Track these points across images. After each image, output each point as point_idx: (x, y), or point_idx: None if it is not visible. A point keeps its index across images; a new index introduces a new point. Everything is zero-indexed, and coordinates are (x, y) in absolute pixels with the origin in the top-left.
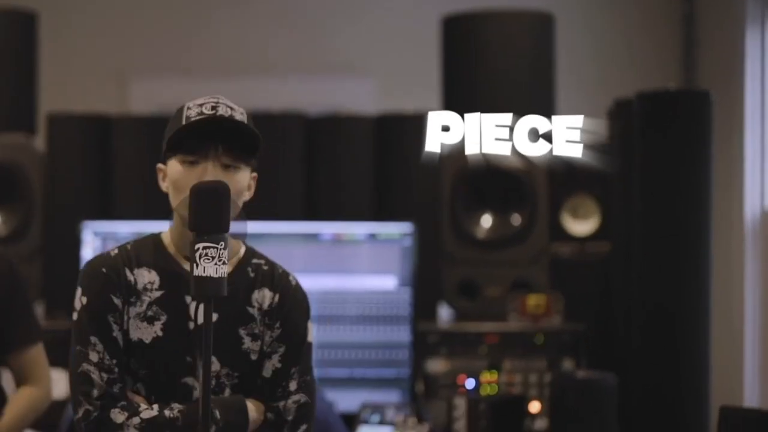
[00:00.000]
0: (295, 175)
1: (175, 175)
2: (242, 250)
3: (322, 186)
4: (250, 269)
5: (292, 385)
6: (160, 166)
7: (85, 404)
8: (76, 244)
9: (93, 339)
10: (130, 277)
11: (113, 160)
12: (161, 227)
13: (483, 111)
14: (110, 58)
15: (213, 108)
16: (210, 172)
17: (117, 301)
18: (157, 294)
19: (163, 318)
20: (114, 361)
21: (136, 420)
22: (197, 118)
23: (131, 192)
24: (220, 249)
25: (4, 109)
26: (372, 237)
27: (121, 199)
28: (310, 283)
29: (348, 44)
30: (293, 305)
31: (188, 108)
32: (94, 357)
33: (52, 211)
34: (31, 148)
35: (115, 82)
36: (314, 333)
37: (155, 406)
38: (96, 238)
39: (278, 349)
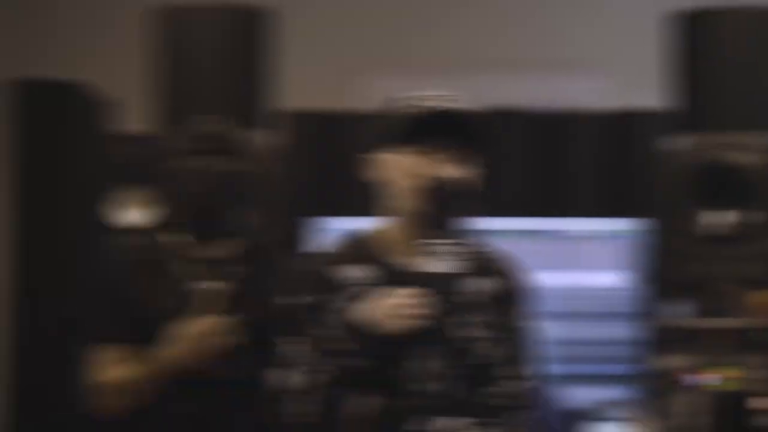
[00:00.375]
0: (520, 171)
1: (404, 168)
2: (468, 241)
3: (550, 183)
4: (474, 260)
5: (518, 371)
6: (379, 157)
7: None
8: (303, 238)
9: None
10: (341, 275)
11: (345, 155)
12: (375, 224)
13: (704, 113)
14: (341, 54)
15: (442, 102)
16: (440, 165)
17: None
18: (374, 288)
19: None
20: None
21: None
22: (427, 111)
23: (363, 189)
24: (449, 244)
25: (238, 107)
26: (601, 233)
27: (354, 193)
28: (536, 279)
29: (577, 40)
30: (518, 293)
31: (417, 100)
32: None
33: (283, 207)
34: (266, 143)
35: (346, 79)
36: (543, 329)
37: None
38: (329, 234)
39: (503, 336)
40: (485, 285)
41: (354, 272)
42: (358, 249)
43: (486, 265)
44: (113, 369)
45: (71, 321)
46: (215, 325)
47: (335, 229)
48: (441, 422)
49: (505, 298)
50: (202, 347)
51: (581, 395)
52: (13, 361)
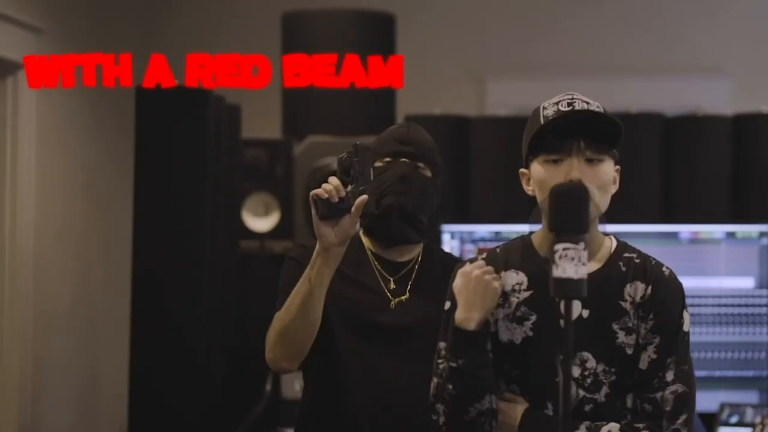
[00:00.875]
0: (653, 175)
1: (540, 176)
2: (614, 245)
3: (679, 186)
4: (621, 263)
5: (669, 375)
6: (523, 171)
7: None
8: (435, 244)
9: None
10: (503, 280)
11: (471, 161)
12: (518, 229)
13: None
14: (466, 60)
15: (569, 104)
16: (575, 167)
17: None
18: (526, 294)
19: (533, 318)
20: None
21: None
22: (555, 116)
23: (489, 193)
24: (580, 250)
25: (365, 113)
26: (730, 236)
27: (479, 200)
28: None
29: (705, 43)
30: (667, 295)
31: (544, 108)
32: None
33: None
34: None
35: (472, 84)
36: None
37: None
38: (454, 239)
39: (653, 340)
40: (638, 289)
41: (509, 278)
42: (513, 254)
43: (638, 268)
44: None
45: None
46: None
47: (471, 233)
48: (593, 428)
49: (659, 302)
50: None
51: (710, 399)
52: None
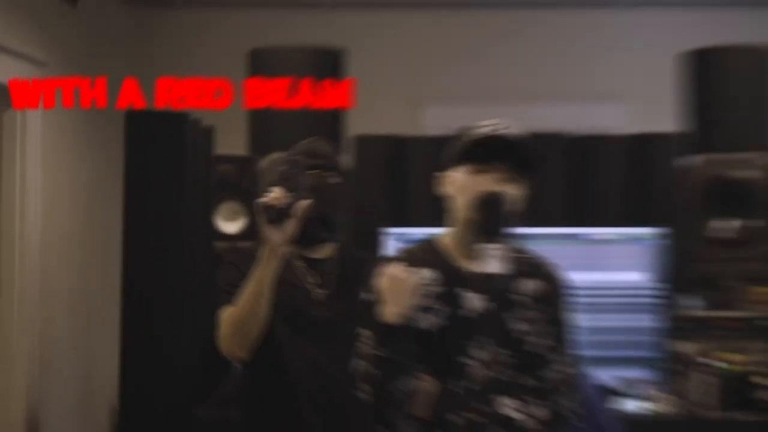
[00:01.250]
0: (558, 185)
1: (462, 183)
2: (511, 247)
3: (580, 195)
4: (518, 263)
5: (560, 359)
6: (440, 174)
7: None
8: (377, 245)
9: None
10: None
11: (409, 173)
12: (440, 232)
13: (713, 136)
14: (406, 88)
15: (499, 128)
16: (495, 181)
17: None
18: (438, 289)
19: (443, 309)
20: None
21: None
22: (487, 134)
23: (424, 202)
24: (500, 249)
25: (319, 133)
26: (626, 238)
27: (415, 208)
28: (572, 277)
29: (604, 73)
30: (557, 291)
31: (475, 127)
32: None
33: (356, 218)
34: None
35: (411, 108)
36: (578, 319)
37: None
38: (394, 241)
39: (546, 329)
40: (532, 285)
41: (425, 273)
42: (427, 253)
43: (533, 267)
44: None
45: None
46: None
47: (406, 235)
48: (496, 403)
49: (549, 296)
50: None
51: (610, 375)
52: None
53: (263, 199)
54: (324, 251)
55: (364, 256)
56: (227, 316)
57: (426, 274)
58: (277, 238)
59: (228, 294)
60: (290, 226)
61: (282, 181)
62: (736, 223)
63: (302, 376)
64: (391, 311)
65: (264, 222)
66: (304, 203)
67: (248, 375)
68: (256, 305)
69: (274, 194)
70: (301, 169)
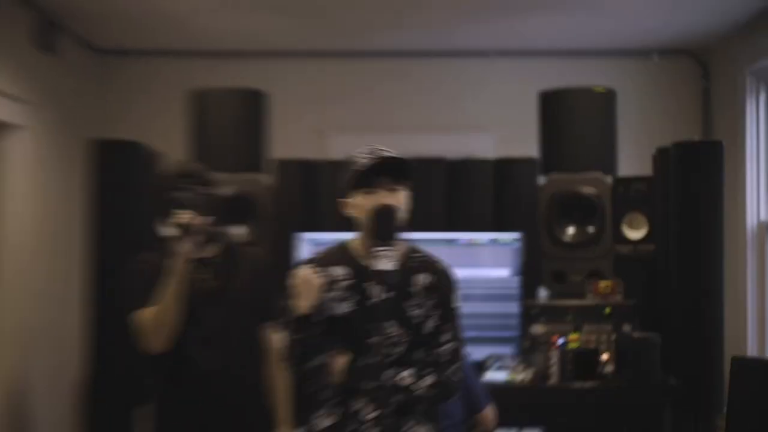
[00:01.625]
0: (440, 199)
1: (359, 203)
2: (407, 247)
3: (458, 207)
4: (411, 261)
5: (447, 336)
6: (342, 200)
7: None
8: (293, 248)
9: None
10: (328, 272)
11: (318, 190)
12: (349, 236)
13: (563, 159)
14: (313, 120)
15: (375, 153)
16: (383, 195)
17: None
18: (348, 282)
19: (353, 298)
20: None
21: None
22: (367, 162)
23: (330, 212)
24: (392, 250)
25: (244, 157)
26: (492, 242)
27: (323, 216)
28: (455, 273)
29: (476, 108)
30: (445, 282)
31: (358, 157)
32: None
33: (277, 225)
34: (260, 183)
35: (318, 137)
36: (459, 303)
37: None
38: (307, 243)
39: (435, 313)
40: (424, 278)
41: (337, 271)
42: (339, 254)
43: (424, 264)
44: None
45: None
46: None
47: (319, 239)
48: (395, 372)
49: (438, 286)
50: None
51: (480, 352)
52: (92, 330)
53: (176, 220)
54: (211, 250)
55: (257, 254)
56: (145, 318)
57: (338, 270)
58: (188, 250)
59: (141, 300)
60: (198, 241)
61: (180, 203)
62: (577, 229)
63: (202, 362)
64: (302, 304)
65: (176, 238)
66: (206, 220)
67: (162, 365)
68: (174, 305)
69: (184, 215)
70: (205, 192)
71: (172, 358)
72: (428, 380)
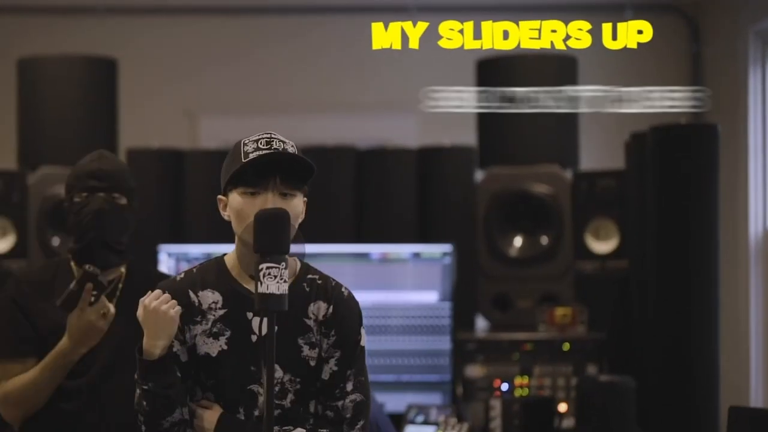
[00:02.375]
0: (347, 201)
1: (238, 206)
2: (298, 266)
3: (370, 211)
4: (305, 284)
5: (349, 386)
6: (220, 197)
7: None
8: (153, 263)
9: None
10: (194, 299)
11: (185, 188)
12: (227, 249)
13: (510, 152)
14: (181, 99)
15: (267, 143)
16: (270, 201)
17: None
18: (221, 312)
19: (227, 333)
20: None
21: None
22: (255, 153)
23: (201, 218)
24: (282, 268)
25: (90, 145)
26: (415, 256)
27: (192, 224)
28: (360, 297)
29: (392, 84)
30: (346, 313)
31: (245, 144)
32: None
33: (132, 234)
34: None
35: (186, 120)
36: (366, 340)
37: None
38: (170, 259)
39: (334, 354)
40: (318, 307)
41: (206, 297)
42: (211, 274)
43: (320, 289)
44: (15, 380)
45: None
46: (98, 312)
47: (185, 253)
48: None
49: (337, 319)
50: (88, 333)
51: (398, 401)
52: None
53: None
54: (111, 273)
55: (161, 276)
56: (13, 389)
57: (209, 295)
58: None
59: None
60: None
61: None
62: (526, 240)
63: (87, 408)
64: (151, 344)
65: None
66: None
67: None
68: (51, 388)
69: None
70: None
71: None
72: None
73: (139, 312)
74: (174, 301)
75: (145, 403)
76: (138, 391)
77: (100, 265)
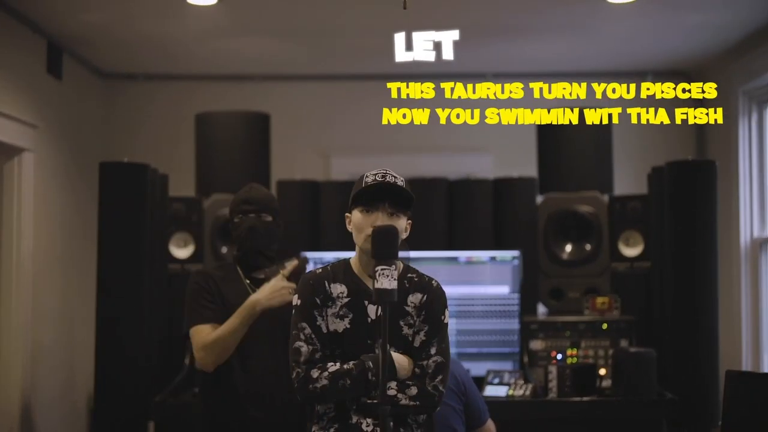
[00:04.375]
0: (441, 218)
1: (357, 220)
2: (401, 268)
3: (459, 226)
4: (406, 281)
5: (432, 350)
6: (347, 214)
7: (296, 368)
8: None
9: (303, 325)
10: (329, 288)
11: (320, 209)
12: (350, 255)
13: (561, 181)
14: (317, 142)
15: (383, 176)
16: (380, 218)
17: (319, 302)
18: (346, 300)
19: (350, 316)
20: (315, 339)
21: (325, 373)
22: (373, 182)
23: (332, 231)
24: (392, 269)
25: (250, 178)
26: (492, 259)
27: (325, 236)
28: (450, 290)
29: (475, 129)
30: (434, 299)
31: (366, 176)
32: (303, 336)
33: (281, 244)
34: None
35: (321, 158)
36: (454, 323)
37: (338, 363)
38: (310, 262)
39: (424, 328)
40: (416, 297)
41: (337, 287)
42: (340, 271)
43: (417, 284)
44: (212, 333)
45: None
46: (290, 286)
47: (321, 258)
48: (386, 387)
49: (429, 305)
50: (276, 295)
51: (480, 367)
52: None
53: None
54: (263, 272)
55: (300, 272)
56: (215, 338)
57: (338, 287)
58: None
59: (199, 313)
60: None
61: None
62: (574, 247)
63: (249, 378)
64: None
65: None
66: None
67: (211, 378)
68: (240, 335)
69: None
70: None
71: (216, 378)
72: (412, 391)
73: (300, 288)
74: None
75: (302, 362)
76: (293, 355)
77: (256, 266)
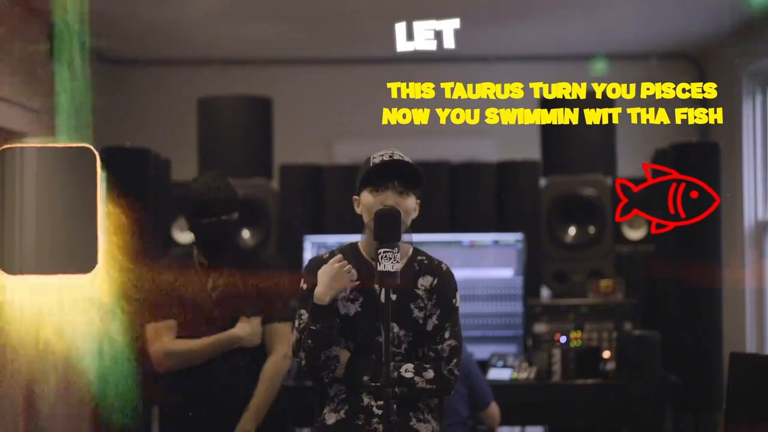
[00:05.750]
0: (445, 202)
1: (367, 202)
2: (410, 251)
3: (462, 209)
4: (416, 264)
5: (446, 334)
6: (355, 197)
7: (294, 357)
8: (299, 250)
9: (301, 312)
10: None
11: (324, 195)
12: (354, 239)
13: (565, 164)
14: (319, 126)
15: (390, 156)
16: (390, 197)
17: None
18: (356, 283)
19: (361, 299)
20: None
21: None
22: (381, 162)
23: (334, 216)
24: (395, 252)
25: (252, 163)
26: (495, 243)
27: (328, 220)
28: (454, 274)
29: (476, 114)
30: (445, 283)
31: (373, 157)
32: (296, 324)
33: (284, 229)
34: (269, 188)
35: (324, 143)
36: (459, 302)
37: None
38: (313, 246)
39: (436, 312)
40: (426, 280)
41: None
42: (349, 254)
43: (427, 266)
44: (177, 341)
45: None
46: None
47: (324, 242)
48: (395, 367)
49: (439, 288)
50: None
51: (484, 350)
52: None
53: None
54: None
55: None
56: (182, 351)
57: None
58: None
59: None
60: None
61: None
62: (578, 230)
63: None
64: (323, 294)
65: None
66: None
67: (168, 379)
68: (206, 357)
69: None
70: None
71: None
72: (428, 374)
73: (324, 269)
74: (349, 265)
75: (310, 341)
76: (301, 332)
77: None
